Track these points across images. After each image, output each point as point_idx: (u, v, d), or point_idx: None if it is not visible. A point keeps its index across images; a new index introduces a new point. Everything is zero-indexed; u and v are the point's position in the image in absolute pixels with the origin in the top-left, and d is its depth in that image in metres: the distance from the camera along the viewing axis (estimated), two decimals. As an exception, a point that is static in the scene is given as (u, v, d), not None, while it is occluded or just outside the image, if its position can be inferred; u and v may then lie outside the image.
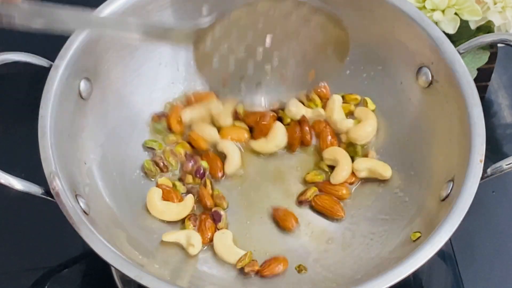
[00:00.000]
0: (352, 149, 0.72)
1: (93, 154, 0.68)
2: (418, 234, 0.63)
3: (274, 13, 0.63)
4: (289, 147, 0.73)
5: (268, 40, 0.65)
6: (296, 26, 0.64)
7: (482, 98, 0.65)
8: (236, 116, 0.74)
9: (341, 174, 0.70)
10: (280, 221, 0.69)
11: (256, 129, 0.73)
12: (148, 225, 0.69)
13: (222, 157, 0.71)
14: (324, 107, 0.74)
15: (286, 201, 0.70)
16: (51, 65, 0.65)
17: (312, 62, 0.67)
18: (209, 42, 0.64)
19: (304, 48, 0.66)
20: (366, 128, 0.72)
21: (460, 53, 0.66)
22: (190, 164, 0.71)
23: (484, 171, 0.61)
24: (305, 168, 0.72)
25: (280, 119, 0.74)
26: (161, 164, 0.71)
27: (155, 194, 0.69)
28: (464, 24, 0.73)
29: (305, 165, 0.73)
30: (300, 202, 0.70)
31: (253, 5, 0.63)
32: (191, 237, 0.66)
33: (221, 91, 0.69)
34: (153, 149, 0.72)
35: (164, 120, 0.73)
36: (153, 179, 0.71)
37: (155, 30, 0.63)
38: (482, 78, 0.78)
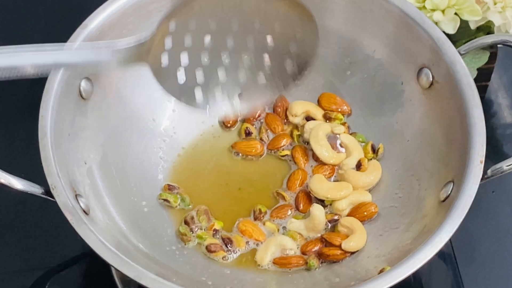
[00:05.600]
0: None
1: (94, 154, 0.68)
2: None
3: (226, 5, 0.58)
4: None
5: (229, 41, 0.60)
6: (253, 15, 0.59)
7: (482, 98, 0.65)
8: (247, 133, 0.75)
9: (357, 241, 0.67)
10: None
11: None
12: (147, 225, 0.69)
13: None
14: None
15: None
16: (51, 65, 0.65)
17: (285, 52, 0.61)
18: (164, 56, 0.58)
19: (271, 40, 0.60)
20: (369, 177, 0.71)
21: (460, 54, 0.66)
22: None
23: (484, 172, 0.61)
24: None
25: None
26: (193, 226, 0.69)
27: None
28: (464, 24, 0.73)
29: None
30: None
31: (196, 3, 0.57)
32: (284, 243, 0.67)
33: (198, 106, 0.62)
34: (168, 201, 0.71)
35: (178, 193, 0.72)
36: (186, 244, 0.69)
37: (97, 56, 0.57)
38: (482, 78, 0.78)
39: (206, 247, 0.68)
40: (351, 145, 0.72)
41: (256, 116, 0.76)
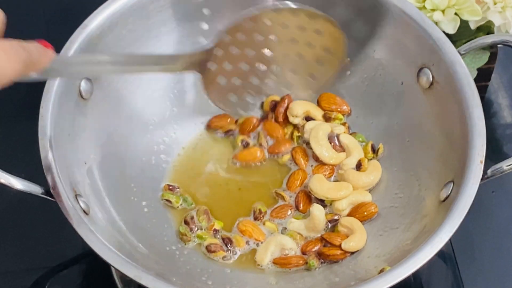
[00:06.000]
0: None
1: (94, 154, 0.68)
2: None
3: (271, 24, 0.66)
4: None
5: (267, 52, 0.68)
6: (293, 34, 0.67)
7: (482, 98, 0.65)
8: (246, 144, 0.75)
9: (357, 241, 0.67)
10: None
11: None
12: (147, 225, 0.69)
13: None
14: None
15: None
16: (51, 65, 0.65)
17: (313, 65, 0.70)
18: (213, 63, 0.66)
19: (304, 53, 0.69)
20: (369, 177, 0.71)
21: (460, 54, 0.66)
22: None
23: (484, 172, 0.61)
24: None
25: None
26: (193, 226, 0.69)
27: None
28: (464, 24, 0.73)
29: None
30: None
31: (250, 19, 0.65)
32: (284, 243, 0.67)
33: (230, 109, 0.73)
34: (169, 201, 0.71)
35: (179, 193, 0.72)
36: (186, 244, 0.69)
37: (162, 60, 0.65)
38: (482, 78, 0.78)
39: (206, 247, 0.68)
40: (351, 145, 0.72)
41: (251, 127, 0.75)
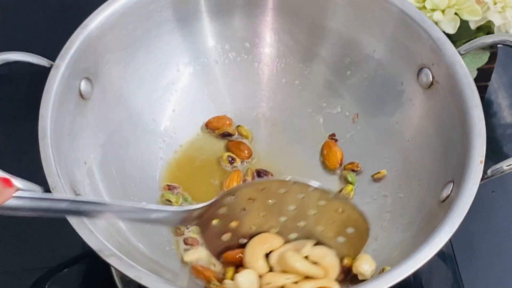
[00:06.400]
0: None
1: (94, 154, 0.68)
2: None
3: (286, 193, 0.61)
4: None
5: (282, 219, 0.63)
6: (310, 206, 0.62)
7: (482, 98, 0.65)
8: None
9: None
10: None
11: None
12: (147, 225, 0.69)
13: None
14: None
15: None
16: (51, 65, 0.65)
17: (334, 242, 0.64)
18: (215, 221, 0.62)
19: (322, 226, 0.63)
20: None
21: (460, 54, 0.66)
22: None
23: (484, 172, 0.61)
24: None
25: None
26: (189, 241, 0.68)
27: None
28: (464, 24, 0.73)
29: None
30: None
31: (261, 185, 0.61)
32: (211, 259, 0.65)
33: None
34: (170, 201, 0.70)
35: (178, 193, 0.71)
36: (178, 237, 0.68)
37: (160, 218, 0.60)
38: (482, 78, 0.78)
39: (184, 240, 0.68)
40: (323, 262, 0.63)
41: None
